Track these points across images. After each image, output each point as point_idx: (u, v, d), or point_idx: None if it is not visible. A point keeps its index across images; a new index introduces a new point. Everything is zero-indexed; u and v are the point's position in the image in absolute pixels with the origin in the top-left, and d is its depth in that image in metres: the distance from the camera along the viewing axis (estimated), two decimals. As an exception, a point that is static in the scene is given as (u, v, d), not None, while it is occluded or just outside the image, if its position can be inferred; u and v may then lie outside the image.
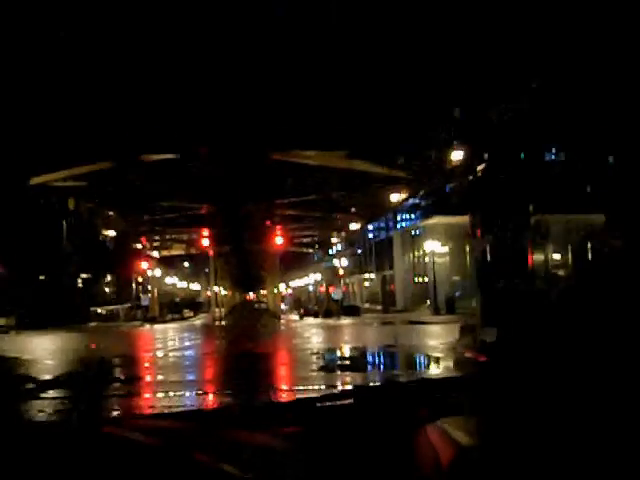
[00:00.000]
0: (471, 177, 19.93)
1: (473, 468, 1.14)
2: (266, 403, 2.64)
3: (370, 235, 53.20)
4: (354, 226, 40.37)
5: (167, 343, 23.45)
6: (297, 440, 1.30)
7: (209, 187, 28.03)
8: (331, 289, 57.54)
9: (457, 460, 1.16)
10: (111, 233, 37.90)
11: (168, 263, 65.24)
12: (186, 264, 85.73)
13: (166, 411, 4.95)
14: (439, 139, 22.67)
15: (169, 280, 68.50)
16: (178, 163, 24.50)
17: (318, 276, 63.71)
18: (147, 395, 7.82)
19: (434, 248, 37.85)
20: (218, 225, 37.14)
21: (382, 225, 49.10)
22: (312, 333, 27.16)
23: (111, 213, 35.02)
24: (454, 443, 1.25)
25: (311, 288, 76.25)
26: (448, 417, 1.45)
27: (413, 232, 43.41)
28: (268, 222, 37.46)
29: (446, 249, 39.15)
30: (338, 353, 15.81)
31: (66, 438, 1.13)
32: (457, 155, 22.77)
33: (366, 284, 56.73)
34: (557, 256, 34.90)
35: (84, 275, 52.53)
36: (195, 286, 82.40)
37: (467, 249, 39.98)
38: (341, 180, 27.60)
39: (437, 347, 15.32)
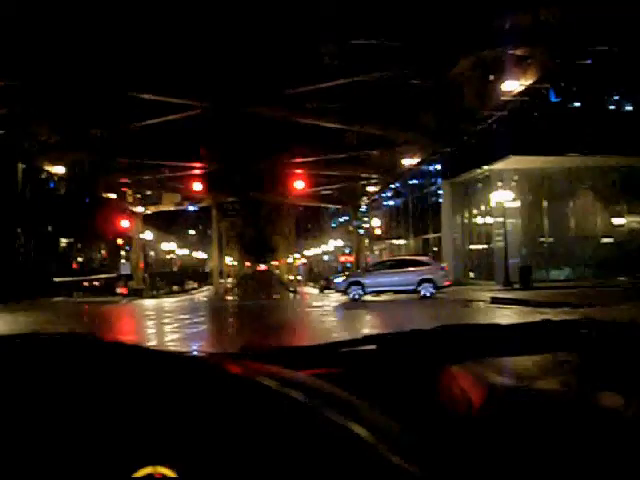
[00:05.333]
0: None
1: (507, 407, 1.12)
2: (287, 347, 1.76)
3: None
4: (408, 161, 28.71)
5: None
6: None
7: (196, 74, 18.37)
8: (346, 258, 50.00)
9: (490, 399, 1.15)
10: (58, 170, 26.62)
11: (169, 229, 57.46)
12: (192, 232, 78.96)
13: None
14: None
15: (167, 246, 60.22)
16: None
17: (339, 242, 56.23)
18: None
19: (505, 202, 28.50)
20: (216, 155, 27.11)
21: (424, 173, 39.27)
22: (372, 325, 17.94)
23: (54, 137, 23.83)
24: (486, 383, 1.24)
25: (326, 257, 70.02)
26: (476, 359, 1.42)
27: (470, 182, 34.06)
28: (283, 159, 27.18)
29: (518, 204, 29.93)
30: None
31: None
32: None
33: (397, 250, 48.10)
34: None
35: (64, 239, 44.90)
36: (202, 255, 74.81)
37: (544, 205, 31.10)
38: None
39: None
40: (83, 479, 0.78)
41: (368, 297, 25.61)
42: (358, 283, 26.02)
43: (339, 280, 28.30)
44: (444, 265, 28.19)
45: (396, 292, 25.50)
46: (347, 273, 31.37)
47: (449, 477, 0.88)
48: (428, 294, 24.78)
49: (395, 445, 0.83)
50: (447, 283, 25.93)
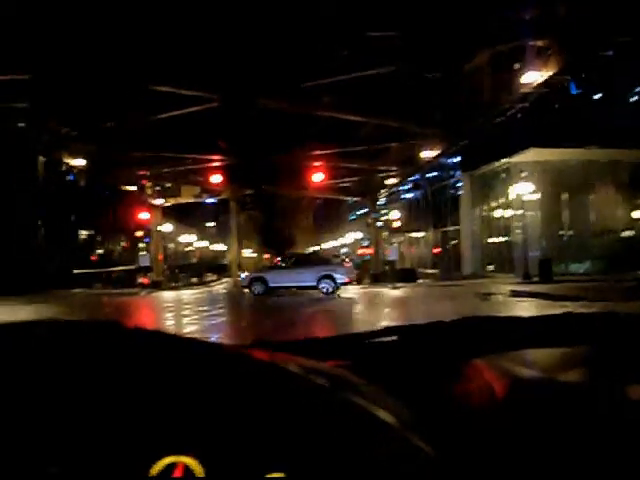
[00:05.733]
0: None
1: (532, 400, 1.09)
2: (305, 339, 1.70)
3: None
4: (427, 154, 28.54)
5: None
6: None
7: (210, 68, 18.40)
8: (364, 250, 49.88)
9: (514, 392, 1.13)
10: (78, 163, 27.04)
11: (188, 221, 57.66)
12: (211, 224, 79.07)
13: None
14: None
15: (186, 238, 60.46)
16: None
17: (358, 234, 56.03)
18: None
19: (525, 194, 28.29)
20: (232, 146, 27.28)
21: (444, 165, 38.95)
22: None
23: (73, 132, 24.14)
24: (509, 375, 1.22)
25: (344, 250, 69.91)
26: (499, 352, 1.39)
27: (490, 174, 33.84)
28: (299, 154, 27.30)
29: (537, 197, 29.68)
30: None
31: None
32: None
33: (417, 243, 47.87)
34: None
35: (84, 232, 45.13)
36: (220, 247, 74.87)
37: (564, 197, 30.88)
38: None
39: None
40: (104, 464, 0.76)
41: (384, 289, 25.56)
42: (260, 279, 26.52)
43: (243, 276, 28.75)
44: (346, 264, 28.85)
45: (297, 288, 25.96)
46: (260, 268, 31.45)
47: (467, 464, 0.86)
48: (326, 291, 25.26)
49: (414, 431, 0.83)
50: (347, 280, 26.31)
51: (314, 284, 25.38)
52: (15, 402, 0.79)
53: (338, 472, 0.76)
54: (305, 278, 25.51)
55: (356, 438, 0.79)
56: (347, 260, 31.55)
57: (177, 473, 0.76)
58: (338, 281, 25.55)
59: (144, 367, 0.84)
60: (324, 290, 25.21)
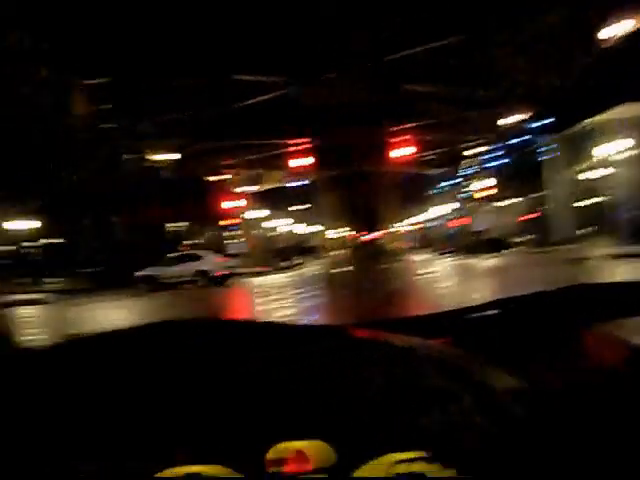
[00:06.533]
0: None
1: None
2: (409, 316, 1.65)
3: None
4: (511, 120, 27.53)
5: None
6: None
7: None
8: (456, 222, 49.47)
9: (632, 362, 1.11)
10: (165, 157, 27.85)
11: (274, 206, 58.30)
12: (297, 207, 79.67)
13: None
14: None
15: (272, 223, 61.09)
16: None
17: (444, 207, 55.44)
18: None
19: (618, 153, 27.29)
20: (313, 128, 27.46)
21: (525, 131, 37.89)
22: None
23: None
24: (624, 345, 1.20)
25: (432, 224, 69.31)
26: (611, 320, 1.34)
27: (579, 135, 32.79)
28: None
29: (632, 154, 28.52)
30: None
31: None
32: None
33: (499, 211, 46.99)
34: None
35: (173, 224, 46.09)
36: (309, 229, 75.49)
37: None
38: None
39: None
40: (222, 445, 0.79)
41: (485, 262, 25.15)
42: (147, 276, 27.96)
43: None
44: (219, 258, 30.04)
45: (180, 282, 27.52)
46: None
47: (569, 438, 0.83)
48: (200, 285, 27.05)
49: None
50: (219, 274, 27.73)
51: (192, 279, 27.42)
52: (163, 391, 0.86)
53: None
54: (183, 273, 27.61)
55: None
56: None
57: (292, 458, 0.78)
58: (210, 275, 27.38)
59: (249, 355, 0.86)
60: (198, 284, 26.99)
